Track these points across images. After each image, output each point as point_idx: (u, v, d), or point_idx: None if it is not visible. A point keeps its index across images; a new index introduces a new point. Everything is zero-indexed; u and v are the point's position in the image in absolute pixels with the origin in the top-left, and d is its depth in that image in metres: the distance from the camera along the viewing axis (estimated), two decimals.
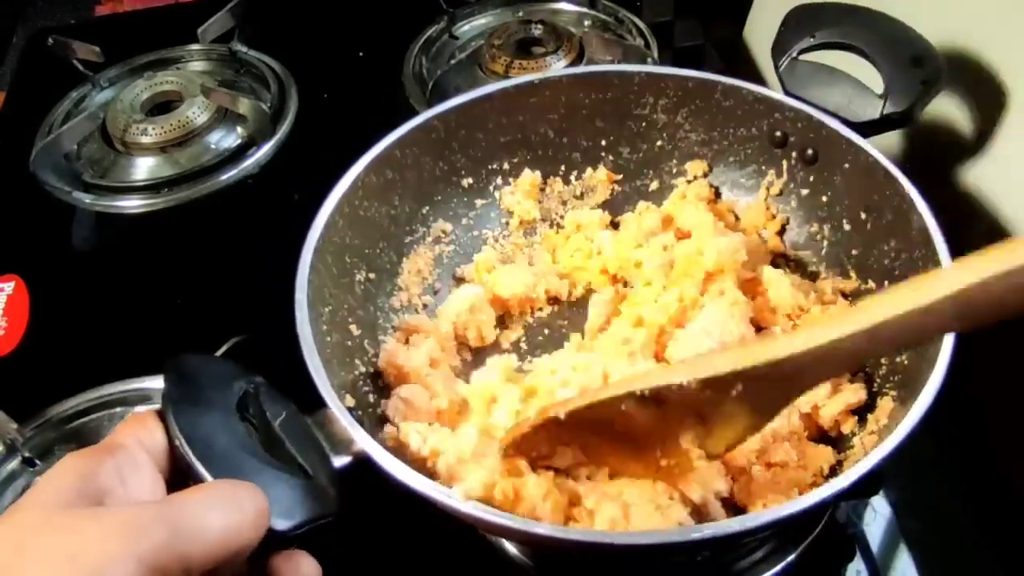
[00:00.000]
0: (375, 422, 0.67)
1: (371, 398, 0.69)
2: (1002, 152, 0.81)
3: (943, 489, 0.77)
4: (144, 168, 1.08)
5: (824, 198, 0.79)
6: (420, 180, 0.81)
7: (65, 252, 1.07)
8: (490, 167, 0.86)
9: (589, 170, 0.88)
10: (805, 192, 0.81)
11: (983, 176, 0.83)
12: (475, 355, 0.79)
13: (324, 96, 1.20)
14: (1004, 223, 0.79)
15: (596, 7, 1.25)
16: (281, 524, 0.48)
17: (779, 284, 0.76)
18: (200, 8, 1.26)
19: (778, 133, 0.80)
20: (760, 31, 1.17)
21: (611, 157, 0.88)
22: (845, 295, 0.77)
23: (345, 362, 0.69)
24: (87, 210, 1.07)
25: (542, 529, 0.54)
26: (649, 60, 1.14)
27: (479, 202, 0.86)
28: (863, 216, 0.75)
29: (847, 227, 0.77)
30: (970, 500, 0.76)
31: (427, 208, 0.83)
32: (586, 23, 1.25)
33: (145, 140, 1.09)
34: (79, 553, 0.40)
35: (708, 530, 0.53)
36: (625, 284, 0.83)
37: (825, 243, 0.80)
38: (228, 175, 1.07)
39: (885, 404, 0.66)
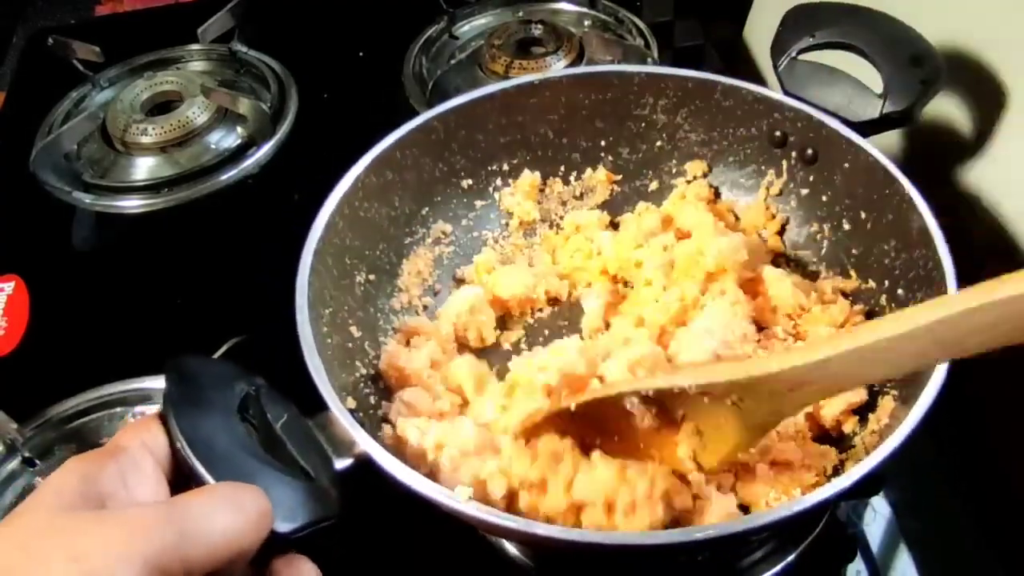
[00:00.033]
0: (376, 424, 0.67)
1: (372, 400, 0.69)
2: (1002, 152, 0.81)
3: (943, 489, 0.77)
4: (144, 168, 1.08)
5: (824, 198, 0.80)
6: (420, 181, 0.82)
7: (65, 252, 1.07)
8: (490, 168, 0.86)
9: (589, 170, 0.88)
10: (805, 192, 0.81)
11: (983, 176, 0.83)
12: (476, 356, 0.79)
13: (324, 96, 1.20)
14: (1004, 223, 0.79)
15: (596, 7, 1.25)
16: (283, 526, 0.48)
17: (780, 284, 0.76)
18: (200, 8, 1.26)
19: (778, 133, 0.80)
20: (760, 31, 1.17)
21: (611, 157, 0.88)
22: (845, 295, 0.77)
23: (346, 364, 0.69)
24: (87, 210, 1.07)
25: (542, 529, 0.54)
26: (649, 60, 1.14)
27: (479, 203, 0.86)
28: (863, 216, 0.75)
29: (847, 227, 0.77)
30: (970, 500, 0.76)
31: (427, 209, 0.83)
32: (586, 23, 1.25)
33: (145, 140, 1.09)
34: (82, 555, 0.40)
35: (709, 530, 0.53)
36: (625, 284, 0.83)
37: (825, 243, 0.80)
38: (228, 175, 1.07)
39: (886, 404, 0.66)
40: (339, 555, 0.57)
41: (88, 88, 1.21)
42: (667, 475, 0.61)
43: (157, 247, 1.05)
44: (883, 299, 0.72)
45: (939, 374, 0.57)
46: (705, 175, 0.86)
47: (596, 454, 0.62)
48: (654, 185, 0.88)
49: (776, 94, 0.79)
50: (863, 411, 0.68)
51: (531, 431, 0.64)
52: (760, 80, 0.95)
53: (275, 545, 0.47)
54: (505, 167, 0.86)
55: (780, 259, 0.83)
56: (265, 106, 1.11)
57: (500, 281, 0.81)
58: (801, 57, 0.81)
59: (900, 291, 0.70)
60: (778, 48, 0.82)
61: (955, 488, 0.77)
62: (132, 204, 1.06)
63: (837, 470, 0.64)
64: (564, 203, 0.89)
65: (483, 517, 0.54)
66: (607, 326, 0.79)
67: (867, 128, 0.75)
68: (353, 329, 0.72)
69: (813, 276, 0.80)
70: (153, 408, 0.83)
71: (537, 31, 1.17)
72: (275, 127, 1.11)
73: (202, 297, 0.98)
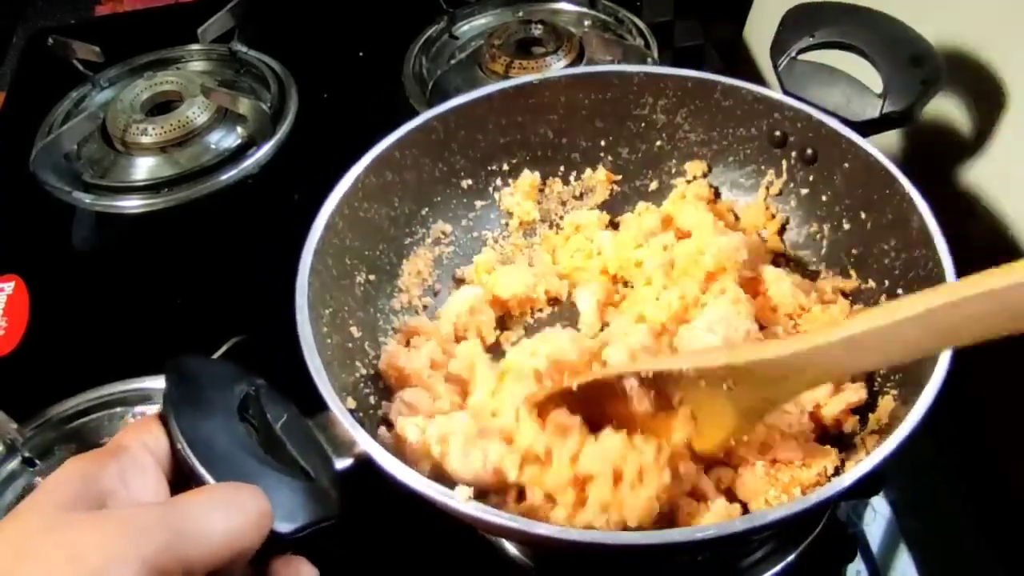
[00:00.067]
0: (376, 424, 0.67)
1: (372, 400, 0.69)
2: (1002, 152, 0.81)
3: (943, 489, 0.77)
4: (144, 168, 1.08)
5: (824, 197, 0.80)
6: (420, 181, 0.82)
7: (65, 252, 1.07)
8: (489, 168, 0.86)
9: (588, 171, 0.88)
10: (805, 192, 0.81)
11: (983, 176, 0.83)
12: None
13: (324, 96, 1.20)
14: (1004, 223, 0.79)
15: (596, 7, 1.25)
16: (283, 527, 0.48)
17: (780, 283, 0.76)
18: (200, 8, 1.26)
19: (777, 133, 0.80)
20: (760, 31, 1.17)
21: (610, 157, 0.88)
22: (845, 294, 0.77)
23: (346, 364, 0.69)
24: (87, 210, 1.07)
25: (542, 529, 0.54)
26: (649, 60, 1.14)
27: (479, 203, 0.86)
28: (863, 215, 0.75)
29: (847, 226, 0.77)
30: (970, 500, 0.76)
31: (427, 209, 0.83)
32: (586, 23, 1.25)
33: (145, 140, 1.09)
34: (80, 554, 0.40)
35: (709, 530, 0.53)
36: (625, 284, 0.83)
37: (825, 243, 0.80)
38: (228, 175, 1.07)
39: (886, 403, 0.66)
40: (339, 555, 0.57)
41: (88, 88, 1.21)
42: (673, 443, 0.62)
43: (157, 247, 1.05)
44: (883, 299, 0.72)
45: (939, 374, 0.57)
46: (705, 175, 0.86)
47: (605, 431, 0.62)
48: (654, 185, 0.88)
49: (776, 94, 0.79)
50: (863, 411, 0.68)
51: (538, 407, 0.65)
52: (760, 80, 0.95)
53: (275, 545, 0.48)
54: (505, 167, 0.86)
55: (780, 259, 0.83)
56: (265, 106, 1.11)
57: (500, 281, 0.81)
58: (801, 57, 0.81)
59: (900, 291, 0.70)
60: (778, 48, 0.82)
61: (955, 488, 0.77)
62: (132, 204, 1.06)
63: (837, 470, 0.64)
64: (564, 203, 0.89)
65: (483, 517, 0.54)
66: (605, 326, 0.79)
67: (867, 128, 0.75)
68: (353, 329, 0.72)
69: (813, 276, 0.80)
70: (153, 408, 0.83)
71: (537, 31, 1.17)
72: (275, 127, 1.11)
73: (202, 297, 0.98)
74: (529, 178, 0.86)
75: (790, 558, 0.71)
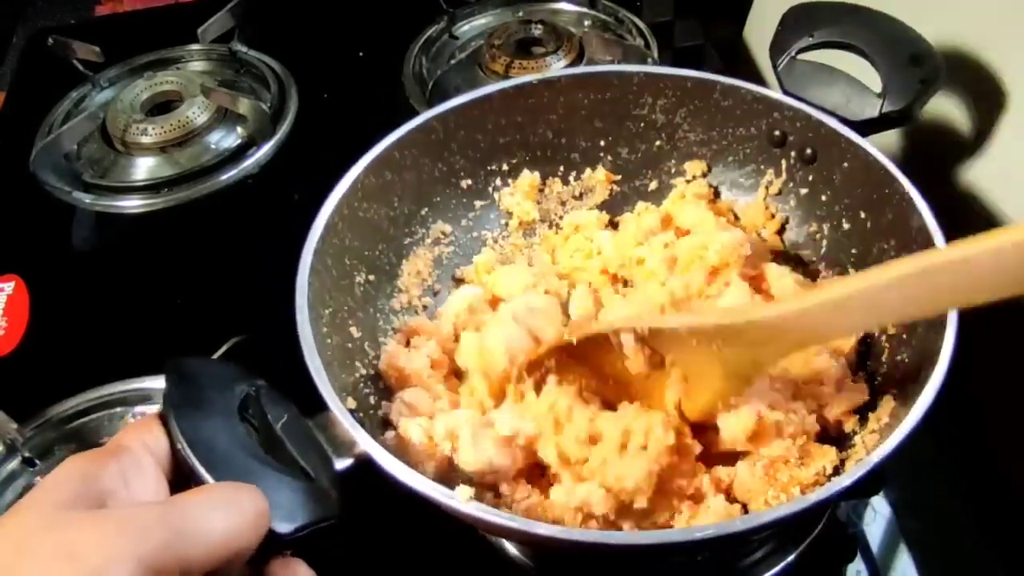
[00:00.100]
0: (376, 424, 0.67)
1: (372, 400, 0.69)
2: (1001, 151, 0.81)
3: (943, 489, 0.77)
4: (144, 168, 1.08)
5: (823, 197, 0.79)
6: (419, 181, 0.81)
7: (65, 252, 1.07)
8: (489, 168, 0.86)
9: (588, 170, 0.88)
10: (804, 191, 0.81)
11: (982, 175, 0.83)
12: None
13: (324, 96, 1.20)
14: (1004, 222, 0.79)
15: (596, 7, 1.25)
16: (283, 527, 0.48)
17: (782, 280, 0.76)
18: (200, 8, 1.26)
19: (777, 132, 0.80)
20: (760, 31, 1.17)
21: (610, 157, 0.88)
22: None
23: (346, 364, 0.69)
24: (87, 210, 1.07)
25: (542, 529, 0.54)
26: (649, 60, 1.14)
27: (478, 203, 0.86)
28: (862, 215, 0.75)
29: (846, 226, 0.77)
30: (970, 500, 0.76)
31: (426, 209, 0.83)
32: (586, 23, 1.25)
33: (145, 140, 1.09)
34: (78, 553, 0.40)
35: (709, 530, 0.53)
36: (625, 284, 0.83)
37: (824, 242, 0.80)
38: (228, 175, 1.07)
39: (887, 403, 0.66)
40: (339, 556, 0.57)
41: (88, 88, 1.21)
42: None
43: (157, 247, 1.05)
44: None
45: (939, 374, 0.57)
46: (704, 175, 0.86)
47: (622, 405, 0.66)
48: (653, 185, 0.88)
49: (775, 93, 0.79)
50: (863, 410, 0.68)
51: (533, 364, 0.67)
52: (760, 80, 0.95)
53: (274, 545, 0.48)
54: (504, 167, 0.86)
55: (780, 258, 0.82)
56: (265, 106, 1.12)
57: (500, 281, 0.81)
58: (800, 57, 0.81)
59: None
60: (777, 48, 0.82)
61: (955, 488, 0.77)
62: (132, 204, 1.06)
63: (837, 469, 0.64)
64: (563, 203, 0.88)
65: (484, 517, 0.54)
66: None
67: (866, 127, 0.75)
68: (353, 329, 0.72)
69: (813, 275, 0.80)
70: (153, 408, 0.83)
71: (537, 31, 1.17)
72: (275, 127, 1.11)
73: (202, 297, 0.98)
74: (529, 178, 0.86)
75: (790, 558, 0.71)
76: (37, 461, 0.80)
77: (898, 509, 0.74)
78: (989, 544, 0.73)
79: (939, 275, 0.51)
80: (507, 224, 0.87)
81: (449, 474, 0.64)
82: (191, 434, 0.49)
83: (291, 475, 0.52)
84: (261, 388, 0.56)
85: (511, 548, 0.73)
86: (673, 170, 0.87)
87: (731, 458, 0.66)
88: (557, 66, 1.11)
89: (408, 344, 0.75)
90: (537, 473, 0.66)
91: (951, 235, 0.64)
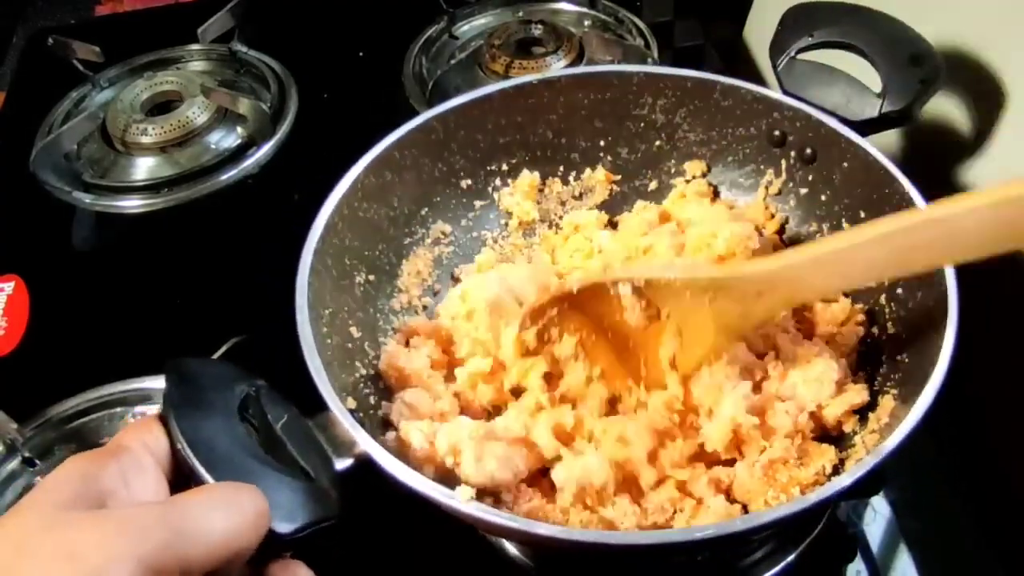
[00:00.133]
0: (376, 424, 0.67)
1: (372, 400, 0.69)
2: (1001, 152, 0.81)
3: (943, 489, 0.77)
4: (144, 168, 1.08)
5: (823, 197, 0.79)
6: (419, 181, 0.81)
7: (65, 252, 1.07)
8: (489, 168, 0.86)
9: (588, 170, 0.88)
10: (804, 191, 0.81)
11: (982, 175, 0.83)
12: None
13: (324, 96, 1.20)
14: None
15: (596, 7, 1.25)
16: (283, 527, 0.48)
17: None
18: (200, 8, 1.26)
19: (777, 132, 0.80)
20: (760, 31, 1.17)
21: (609, 157, 0.88)
22: (846, 293, 0.77)
23: (346, 364, 0.69)
24: (87, 210, 1.07)
25: (543, 529, 0.54)
26: (649, 60, 1.14)
27: (478, 203, 0.86)
28: (862, 215, 0.75)
29: (846, 226, 0.77)
30: (970, 500, 0.76)
31: (426, 209, 0.83)
32: (586, 23, 1.25)
33: (145, 140, 1.09)
34: (79, 553, 0.40)
35: (709, 530, 0.53)
36: None
37: None
38: (228, 175, 1.07)
39: (886, 403, 0.66)
40: (339, 556, 0.57)
41: (88, 88, 1.21)
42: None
43: (157, 247, 1.05)
44: (882, 298, 0.72)
45: (939, 374, 0.57)
46: (704, 175, 0.86)
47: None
48: (653, 185, 0.88)
49: (775, 93, 0.79)
50: (863, 410, 0.68)
51: (537, 313, 0.68)
52: (760, 80, 0.95)
53: (275, 546, 0.48)
54: (504, 167, 0.86)
55: None
56: (265, 106, 1.12)
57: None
58: (800, 57, 0.81)
59: (899, 290, 0.70)
60: (777, 48, 0.82)
61: (955, 488, 0.77)
62: (132, 204, 1.06)
63: (837, 469, 0.64)
64: (563, 203, 0.89)
65: (484, 517, 0.54)
66: None
67: (866, 127, 0.75)
68: (353, 329, 0.72)
69: None
70: (153, 408, 0.83)
71: (537, 31, 1.17)
72: (275, 127, 1.11)
73: (202, 297, 0.98)
74: (528, 178, 0.86)
75: (790, 558, 0.71)
76: (37, 461, 0.80)
77: (898, 509, 0.74)
78: (989, 544, 0.73)
79: (918, 233, 0.55)
80: (507, 224, 0.87)
81: (449, 474, 0.64)
82: (191, 434, 0.49)
83: (291, 475, 0.52)
84: (261, 388, 0.56)
85: (511, 548, 0.73)
86: (673, 170, 0.87)
87: (730, 458, 0.66)
88: (557, 66, 1.11)
89: (408, 344, 0.75)
90: (539, 477, 0.67)
91: None
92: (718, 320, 0.65)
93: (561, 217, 0.88)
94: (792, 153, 0.80)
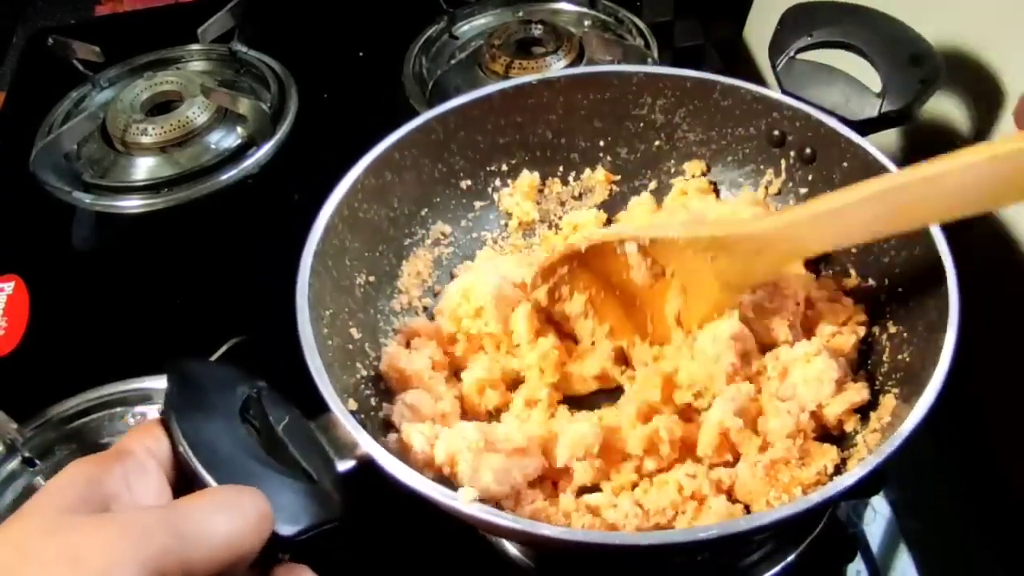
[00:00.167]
0: (378, 426, 0.67)
1: (373, 402, 0.69)
2: None
3: (943, 489, 0.77)
4: (144, 168, 1.08)
5: None
6: (419, 182, 0.81)
7: (65, 252, 1.07)
8: (489, 168, 0.86)
9: (587, 171, 0.88)
10: (804, 191, 0.81)
11: None
12: None
13: (324, 96, 1.20)
14: (1003, 222, 0.79)
15: (596, 7, 1.25)
16: (286, 529, 0.48)
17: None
18: (200, 8, 1.26)
19: (776, 132, 0.80)
20: (760, 31, 1.17)
21: (609, 158, 0.88)
22: (846, 292, 0.77)
23: (347, 366, 0.69)
24: (87, 210, 1.07)
25: (544, 530, 0.54)
26: (649, 60, 1.14)
27: (478, 204, 0.86)
28: None
29: None
30: (970, 500, 0.76)
31: (426, 210, 0.83)
32: (586, 23, 1.25)
33: (145, 140, 1.09)
34: (82, 557, 0.40)
35: (710, 530, 0.53)
36: None
37: None
38: (228, 175, 1.07)
39: (888, 402, 0.66)
40: (341, 557, 0.57)
41: (88, 88, 1.21)
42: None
43: (157, 247, 1.05)
44: (883, 297, 0.72)
45: (940, 374, 0.57)
46: (704, 174, 0.86)
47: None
48: (653, 185, 0.88)
49: (774, 93, 0.79)
50: (864, 410, 0.68)
51: (548, 271, 0.73)
52: (760, 80, 0.95)
53: (277, 548, 0.47)
54: (504, 168, 0.86)
55: None
56: (265, 106, 1.11)
57: None
58: (800, 56, 0.81)
59: (900, 289, 0.70)
60: (776, 47, 0.82)
61: (955, 488, 0.77)
62: (132, 204, 1.06)
63: (839, 469, 0.64)
64: (563, 203, 0.89)
65: (486, 518, 0.55)
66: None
67: (866, 127, 0.76)
68: (353, 331, 0.72)
69: (813, 274, 0.80)
70: (154, 408, 0.83)
71: (537, 31, 1.17)
72: (275, 127, 1.11)
73: (202, 297, 0.98)
74: (528, 178, 0.86)
75: (790, 558, 0.71)
76: (37, 461, 0.80)
77: (898, 509, 0.74)
78: (989, 544, 0.73)
79: (915, 189, 0.57)
80: (507, 224, 0.87)
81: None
82: (193, 436, 0.49)
83: (293, 477, 0.52)
84: (262, 390, 0.56)
85: (512, 549, 0.73)
86: (672, 170, 0.87)
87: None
88: (557, 66, 1.11)
89: (408, 345, 0.75)
90: (542, 480, 0.67)
91: (951, 235, 0.64)
92: (720, 277, 0.67)
93: (561, 217, 0.88)
94: (792, 153, 0.80)
